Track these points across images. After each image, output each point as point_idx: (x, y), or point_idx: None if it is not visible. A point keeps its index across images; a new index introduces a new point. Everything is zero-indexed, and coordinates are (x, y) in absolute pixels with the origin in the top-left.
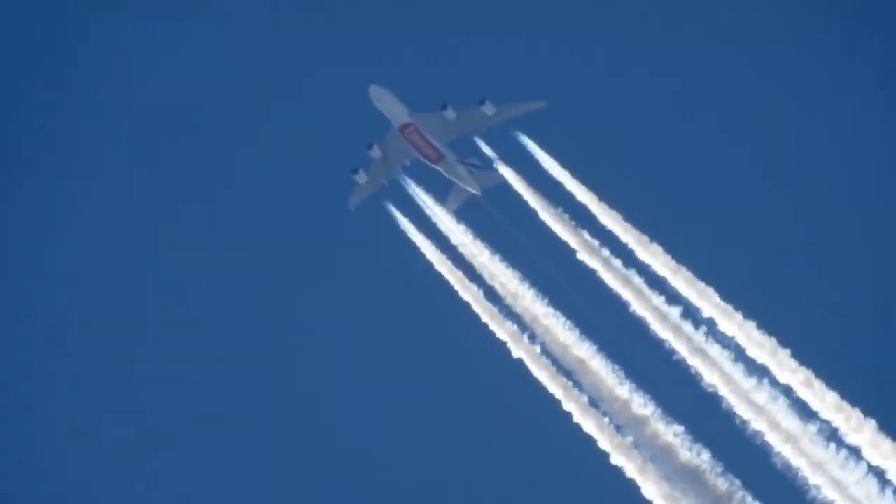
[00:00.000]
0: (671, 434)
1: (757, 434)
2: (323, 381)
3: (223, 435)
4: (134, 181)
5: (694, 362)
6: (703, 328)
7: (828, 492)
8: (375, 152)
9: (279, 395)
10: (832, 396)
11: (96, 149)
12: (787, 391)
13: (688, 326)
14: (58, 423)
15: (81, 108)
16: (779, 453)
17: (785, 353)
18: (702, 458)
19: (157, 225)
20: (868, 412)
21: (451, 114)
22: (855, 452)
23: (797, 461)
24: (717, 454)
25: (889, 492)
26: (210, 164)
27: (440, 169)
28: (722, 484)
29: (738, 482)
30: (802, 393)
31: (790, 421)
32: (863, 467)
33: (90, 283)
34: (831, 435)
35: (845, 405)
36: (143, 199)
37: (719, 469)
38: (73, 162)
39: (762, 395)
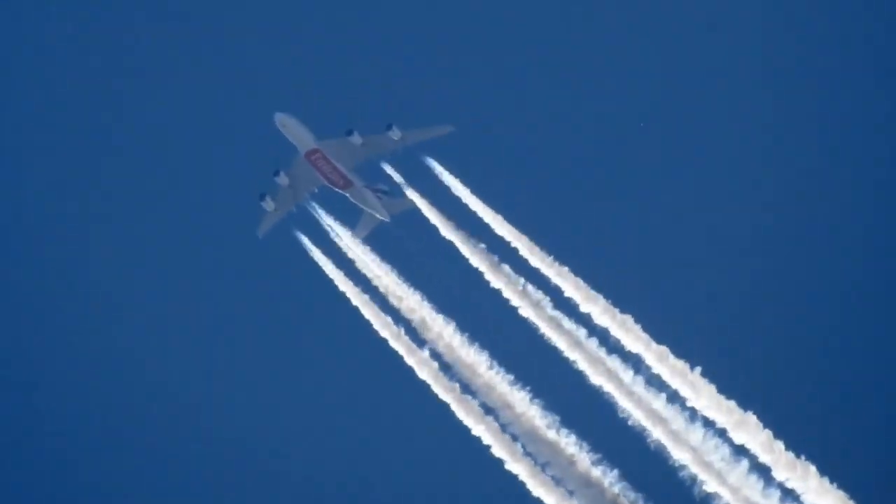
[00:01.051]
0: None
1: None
2: (231, 410)
3: None
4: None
5: (597, 379)
6: (603, 345)
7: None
8: (282, 179)
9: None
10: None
11: None
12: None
13: (592, 344)
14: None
15: None
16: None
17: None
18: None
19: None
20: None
21: (357, 139)
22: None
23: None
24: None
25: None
26: (116, 189)
27: (348, 195)
28: None
29: None
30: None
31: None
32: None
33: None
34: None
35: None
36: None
37: None
38: None
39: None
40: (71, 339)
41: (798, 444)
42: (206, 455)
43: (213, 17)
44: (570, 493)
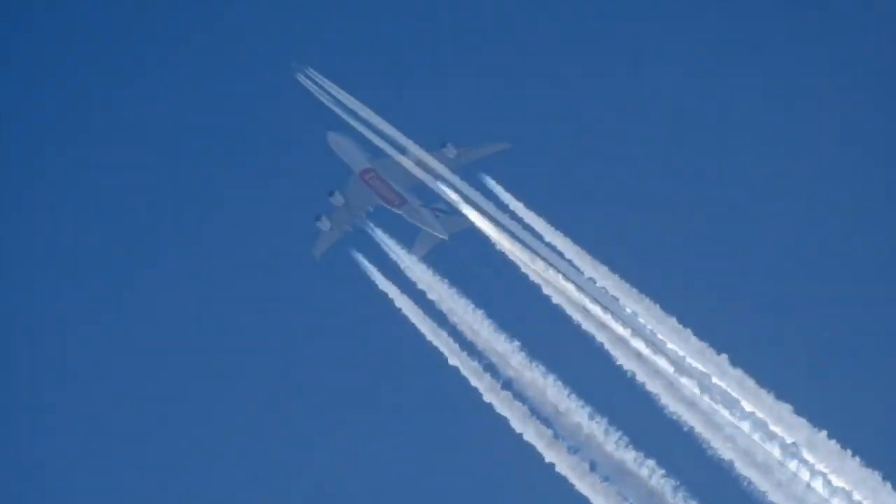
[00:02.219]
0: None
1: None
2: (292, 433)
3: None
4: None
5: (656, 389)
6: (664, 360)
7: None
8: (337, 199)
9: (253, 451)
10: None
11: None
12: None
13: (663, 364)
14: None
15: None
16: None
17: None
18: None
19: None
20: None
21: (411, 157)
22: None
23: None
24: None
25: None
26: (171, 218)
27: (404, 214)
28: None
29: None
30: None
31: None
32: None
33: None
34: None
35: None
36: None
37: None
38: None
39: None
40: (121, 360)
41: None
42: (262, 479)
43: (265, 37)
44: None
